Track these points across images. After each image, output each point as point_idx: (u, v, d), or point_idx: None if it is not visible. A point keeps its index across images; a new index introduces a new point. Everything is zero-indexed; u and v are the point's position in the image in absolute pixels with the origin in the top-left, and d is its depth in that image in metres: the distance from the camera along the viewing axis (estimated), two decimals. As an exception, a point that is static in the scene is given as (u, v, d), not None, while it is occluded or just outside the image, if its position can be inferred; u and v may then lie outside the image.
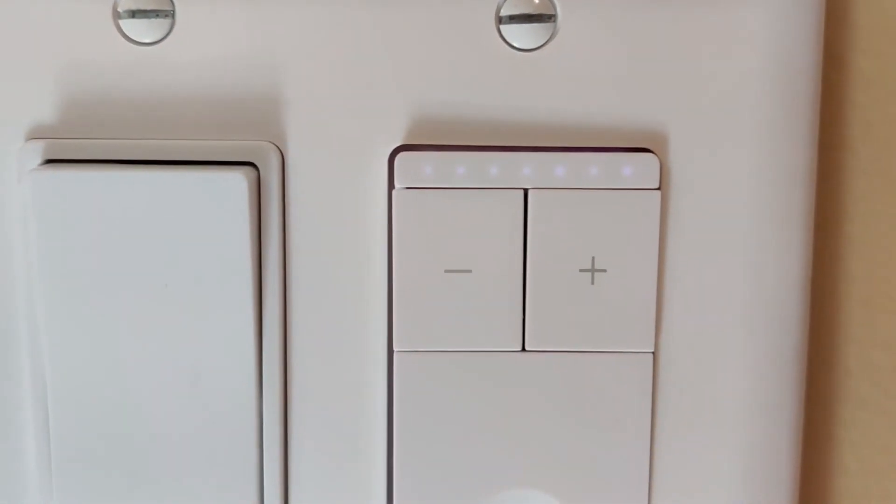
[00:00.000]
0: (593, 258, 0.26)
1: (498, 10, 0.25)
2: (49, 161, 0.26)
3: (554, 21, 0.25)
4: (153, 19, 0.25)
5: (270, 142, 0.26)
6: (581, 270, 0.26)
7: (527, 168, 0.26)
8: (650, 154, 0.26)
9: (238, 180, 0.25)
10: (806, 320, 0.27)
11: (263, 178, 0.26)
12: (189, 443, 0.27)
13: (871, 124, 0.28)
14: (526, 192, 0.26)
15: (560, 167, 0.25)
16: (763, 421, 0.27)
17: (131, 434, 0.27)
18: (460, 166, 0.26)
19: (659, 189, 0.26)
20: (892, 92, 0.28)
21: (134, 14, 0.25)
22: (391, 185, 0.26)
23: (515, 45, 0.26)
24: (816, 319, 0.28)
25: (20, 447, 0.28)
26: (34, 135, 0.26)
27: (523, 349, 0.26)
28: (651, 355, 0.26)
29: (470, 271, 0.26)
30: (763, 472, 0.27)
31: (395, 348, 0.26)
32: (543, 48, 0.26)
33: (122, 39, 0.26)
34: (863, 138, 0.28)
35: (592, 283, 0.26)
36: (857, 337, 0.28)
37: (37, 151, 0.26)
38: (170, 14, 0.25)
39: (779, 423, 0.27)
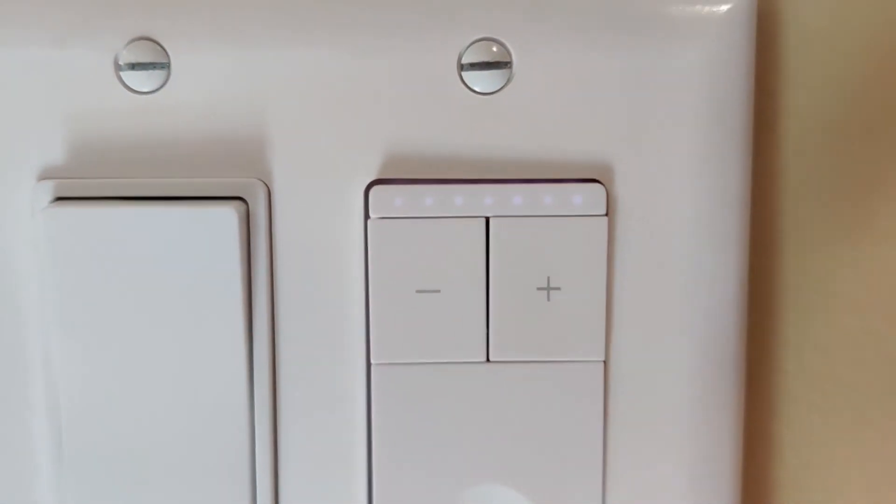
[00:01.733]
0: (549, 278, 0.27)
1: (460, 58, 0.26)
2: (59, 199, 0.27)
3: (510, 67, 0.26)
4: (151, 71, 0.26)
5: (258, 178, 0.27)
6: (538, 289, 0.27)
7: (488, 198, 0.26)
8: (598, 184, 0.27)
9: (229, 214, 0.26)
10: (744, 329, 0.28)
11: (252, 212, 0.27)
12: (188, 447, 0.28)
13: (802, 152, 0.28)
14: (487, 219, 0.26)
15: (518, 197, 0.26)
16: (707, 421, 0.28)
17: (135, 443, 0.28)
18: (428, 198, 0.27)
19: (606, 215, 0.26)
20: (820, 122, 0.28)
21: (133, 66, 0.26)
22: (366, 216, 0.27)
23: (476, 89, 0.26)
24: (754, 326, 0.29)
25: (34, 449, 0.28)
26: (45, 175, 0.27)
27: (488, 360, 0.27)
28: (602, 364, 0.27)
29: (439, 291, 0.27)
30: (708, 467, 0.28)
31: (372, 361, 0.27)
32: (501, 92, 0.26)
33: (123, 89, 0.27)
34: (795, 165, 0.29)
35: (548, 300, 0.27)
36: (793, 341, 0.29)
37: (48, 190, 0.27)
38: (166, 66, 0.26)
39: (722, 422, 0.28)
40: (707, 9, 0.26)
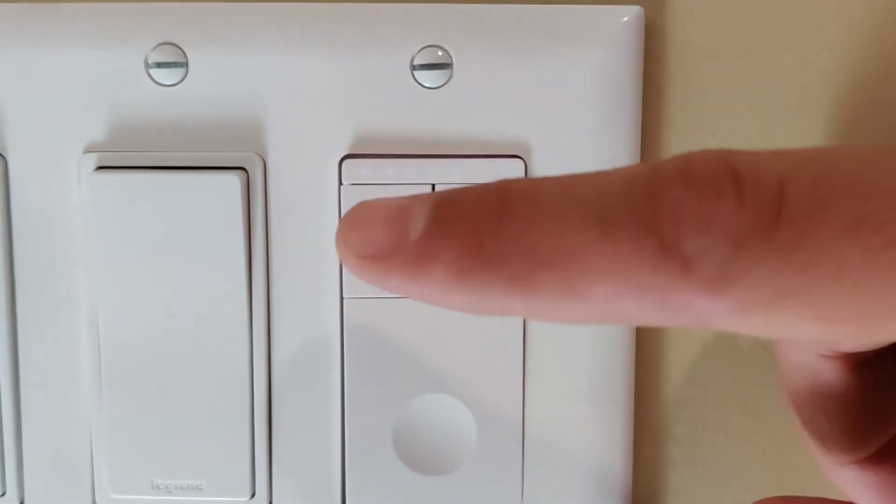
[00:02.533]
0: None
1: (412, 60, 0.28)
2: (100, 168, 0.28)
3: (451, 68, 0.28)
4: (173, 68, 0.28)
5: (256, 153, 0.29)
6: None
7: (433, 170, 0.28)
8: (518, 159, 0.29)
9: (233, 180, 0.28)
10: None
11: (251, 179, 0.29)
12: (200, 362, 0.29)
13: (684, 135, 0.30)
14: (433, 186, 0.28)
15: (457, 169, 0.28)
16: (604, 342, 0.29)
17: (159, 361, 0.29)
18: (388, 169, 0.28)
19: None
20: (698, 108, 0.30)
21: (159, 65, 0.28)
22: (340, 183, 0.29)
23: (425, 84, 0.28)
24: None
25: (79, 365, 0.30)
26: (90, 149, 0.29)
27: (432, 294, 0.29)
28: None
29: None
30: (606, 376, 0.30)
31: (344, 296, 0.29)
32: (444, 87, 0.28)
33: (151, 83, 0.28)
34: (678, 142, 0.30)
35: None
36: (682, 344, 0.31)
37: (92, 161, 0.29)
38: (184, 65, 0.28)
39: (617, 341, 0.30)
40: (607, 21, 0.28)
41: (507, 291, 0.17)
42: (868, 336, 0.17)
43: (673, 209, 0.17)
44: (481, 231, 0.18)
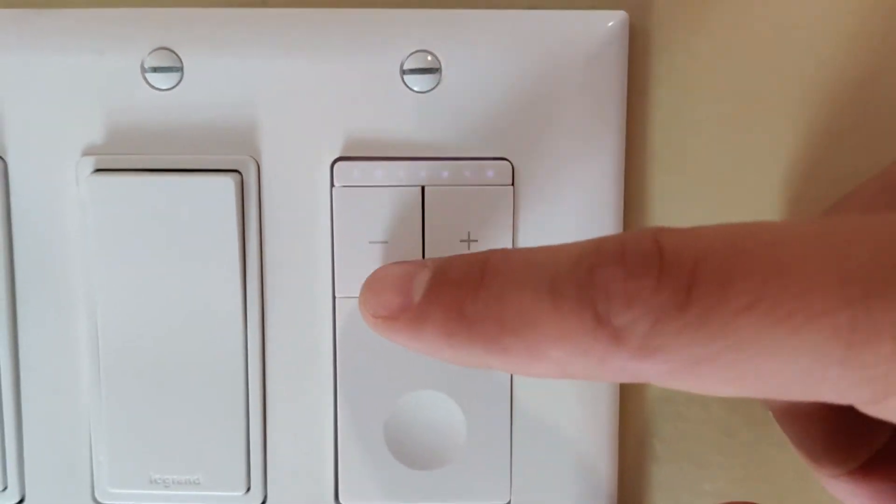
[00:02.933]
0: (469, 232, 0.29)
1: (402, 65, 0.28)
2: (98, 170, 0.29)
3: (440, 72, 0.28)
4: (168, 73, 0.28)
5: (250, 156, 0.29)
6: (461, 241, 0.29)
7: (423, 172, 0.29)
8: (505, 161, 0.29)
9: (228, 182, 0.28)
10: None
11: (245, 181, 0.29)
12: (195, 356, 0.29)
13: (668, 135, 0.30)
14: (423, 188, 0.29)
15: (445, 171, 0.29)
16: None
17: (155, 353, 0.29)
18: (379, 171, 0.29)
19: (512, 185, 0.29)
20: (682, 111, 0.30)
21: (155, 69, 0.28)
22: (332, 185, 0.29)
23: (415, 88, 0.28)
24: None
25: (77, 360, 0.30)
26: (88, 152, 0.29)
27: (425, 295, 0.29)
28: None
29: (386, 242, 0.29)
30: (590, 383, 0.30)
31: (336, 295, 0.29)
32: (433, 91, 0.28)
33: (147, 87, 0.29)
34: (663, 146, 0.30)
35: (468, 249, 0.28)
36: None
37: (90, 163, 0.29)
38: (180, 69, 0.28)
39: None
40: (593, 25, 0.28)
41: (484, 352, 0.20)
42: (783, 398, 0.19)
43: (606, 285, 0.19)
44: (463, 299, 0.21)
